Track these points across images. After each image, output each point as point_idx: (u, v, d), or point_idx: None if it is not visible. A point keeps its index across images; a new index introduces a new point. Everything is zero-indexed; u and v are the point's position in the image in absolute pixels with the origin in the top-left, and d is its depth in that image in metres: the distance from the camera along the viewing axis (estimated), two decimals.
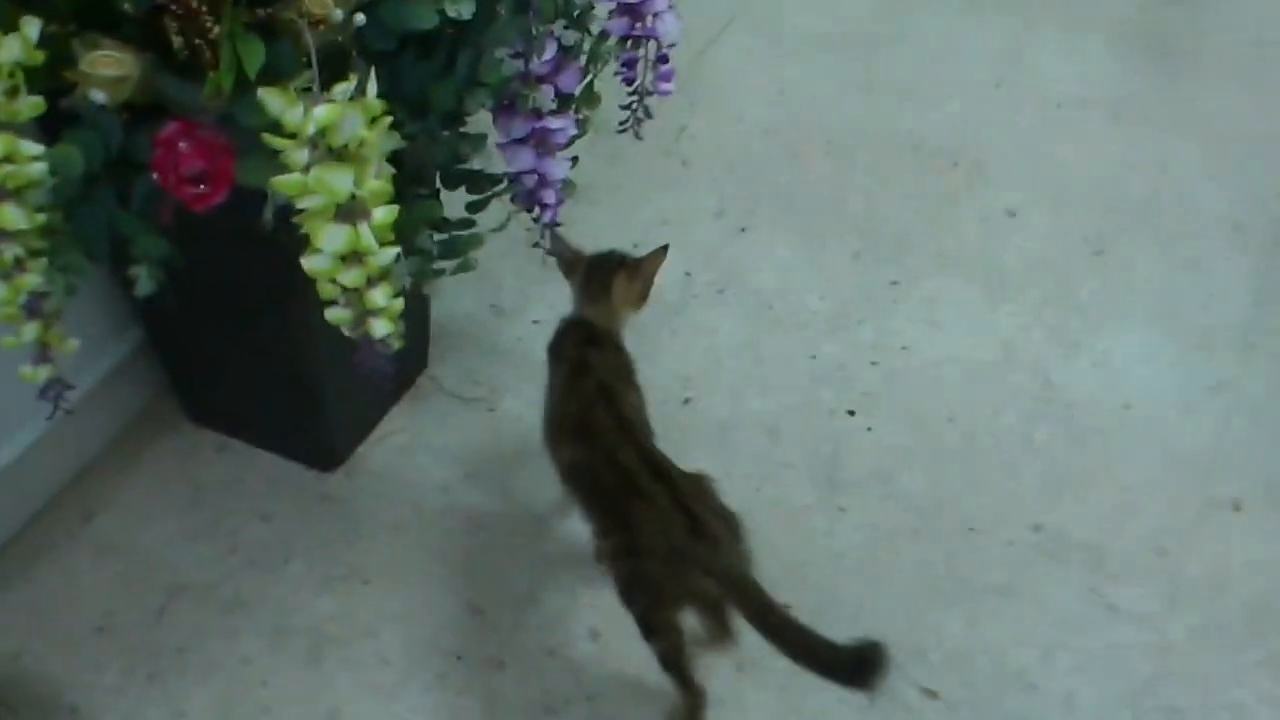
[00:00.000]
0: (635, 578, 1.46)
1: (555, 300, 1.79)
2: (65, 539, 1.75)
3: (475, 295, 2.02)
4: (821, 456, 1.83)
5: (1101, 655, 1.62)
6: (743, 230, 2.16)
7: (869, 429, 1.87)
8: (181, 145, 1.13)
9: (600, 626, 1.64)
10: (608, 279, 1.61)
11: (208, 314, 1.68)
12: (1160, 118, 2.38)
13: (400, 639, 1.64)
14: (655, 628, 1.46)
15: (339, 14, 1.14)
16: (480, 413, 1.88)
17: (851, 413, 1.89)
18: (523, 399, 1.87)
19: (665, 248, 1.61)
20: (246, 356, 1.73)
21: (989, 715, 1.56)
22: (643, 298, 1.62)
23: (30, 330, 1.17)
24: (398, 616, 1.66)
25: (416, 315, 1.84)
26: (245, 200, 1.16)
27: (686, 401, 1.90)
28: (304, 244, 1.05)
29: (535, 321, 1.99)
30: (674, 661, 1.48)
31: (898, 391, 1.92)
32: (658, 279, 1.61)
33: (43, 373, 1.21)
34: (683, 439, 1.73)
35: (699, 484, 1.47)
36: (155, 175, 1.14)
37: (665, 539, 1.42)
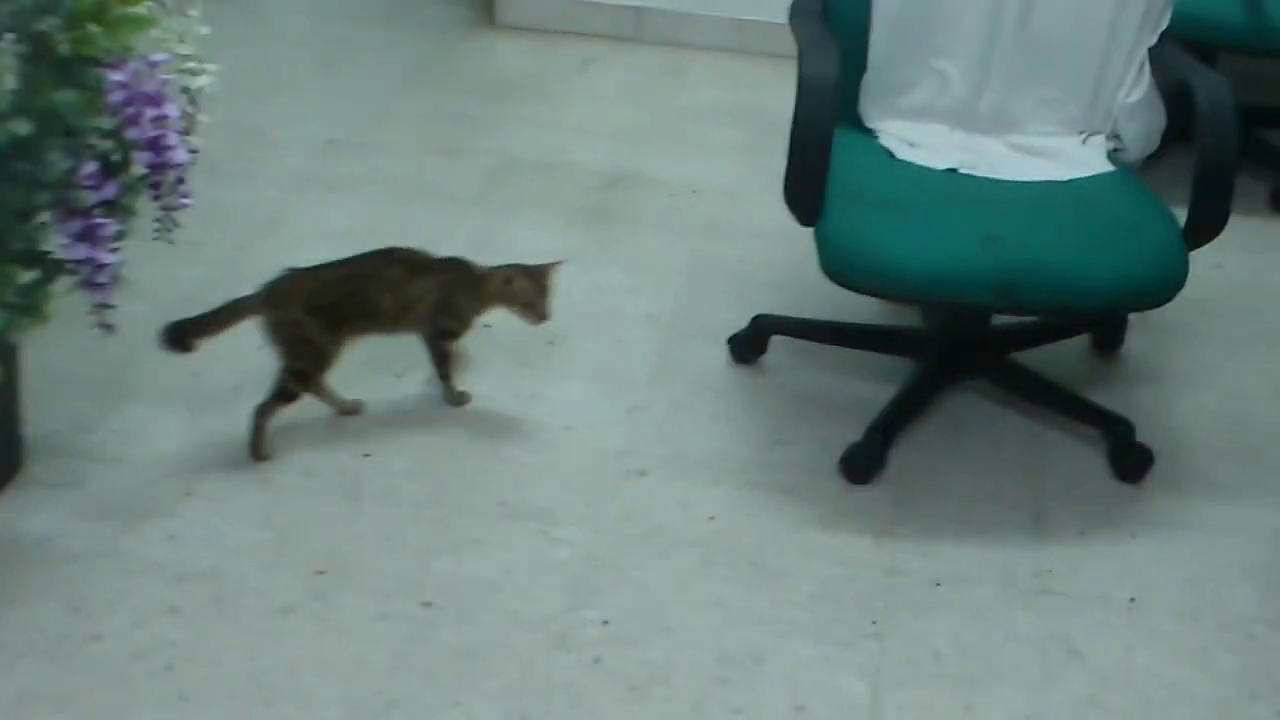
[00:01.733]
0: None
1: (130, 417, 2.67)
2: None
3: (65, 414, 2.75)
4: (345, 482, 2.63)
5: (548, 566, 2.45)
6: None
7: (382, 464, 2.68)
8: None
9: (177, 603, 2.34)
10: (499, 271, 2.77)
11: None
12: (599, 261, 3.34)
13: (10, 631, 2.27)
14: None
15: None
16: (70, 491, 2.56)
17: (368, 455, 2.71)
18: (106, 480, 2.58)
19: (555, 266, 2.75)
20: None
21: (464, 610, 2.35)
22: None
23: None
24: (11, 625, 2.28)
25: (5, 421, 2.55)
26: None
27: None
28: None
29: (115, 431, 2.73)
30: None
31: (405, 439, 2.74)
32: None
33: None
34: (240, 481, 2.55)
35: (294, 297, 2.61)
36: None
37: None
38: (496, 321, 3.02)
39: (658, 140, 3.96)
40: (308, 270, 2.64)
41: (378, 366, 2.90)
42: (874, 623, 2.37)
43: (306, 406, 2.75)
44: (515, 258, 3.21)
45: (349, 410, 2.77)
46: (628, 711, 2.17)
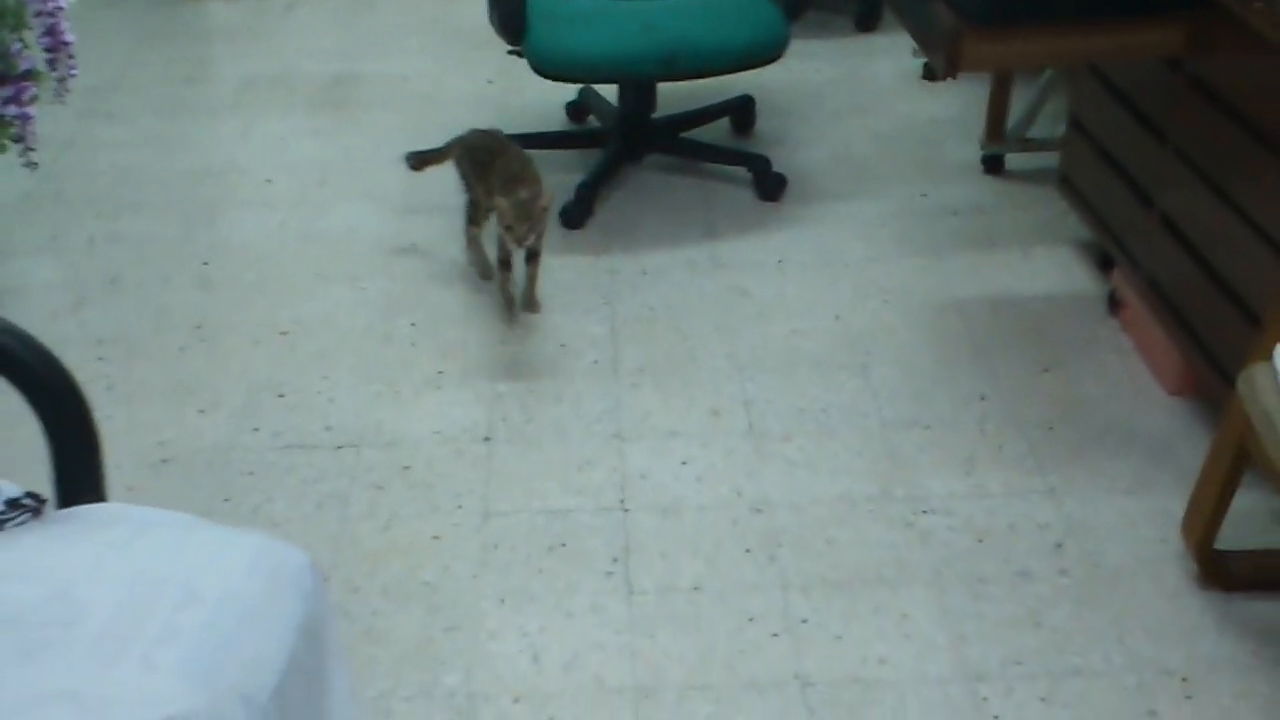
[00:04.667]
0: None
1: (16, 268, 3.65)
2: None
3: None
4: (194, 279, 3.73)
5: (363, 303, 3.59)
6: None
7: (219, 268, 3.79)
8: None
9: (101, 355, 3.41)
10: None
11: None
12: (344, 132, 4.49)
13: None
14: None
15: None
16: None
17: (206, 264, 3.81)
18: (15, 304, 3.58)
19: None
20: None
21: (312, 332, 3.48)
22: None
23: None
24: None
25: None
26: None
27: None
28: None
29: (10, 275, 3.77)
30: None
31: (237, 248, 3.85)
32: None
33: None
34: None
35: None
36: None
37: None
38: (295, 164, 4.15)
39: (366, 51, 5.12)
40: (488, 132, 3.64)
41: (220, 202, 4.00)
42: (604, 298, 3.58)
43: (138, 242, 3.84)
44: (273, 142, 4.36)
45: (485, 274, 3.66)
46: (443, 363, 3.33)
